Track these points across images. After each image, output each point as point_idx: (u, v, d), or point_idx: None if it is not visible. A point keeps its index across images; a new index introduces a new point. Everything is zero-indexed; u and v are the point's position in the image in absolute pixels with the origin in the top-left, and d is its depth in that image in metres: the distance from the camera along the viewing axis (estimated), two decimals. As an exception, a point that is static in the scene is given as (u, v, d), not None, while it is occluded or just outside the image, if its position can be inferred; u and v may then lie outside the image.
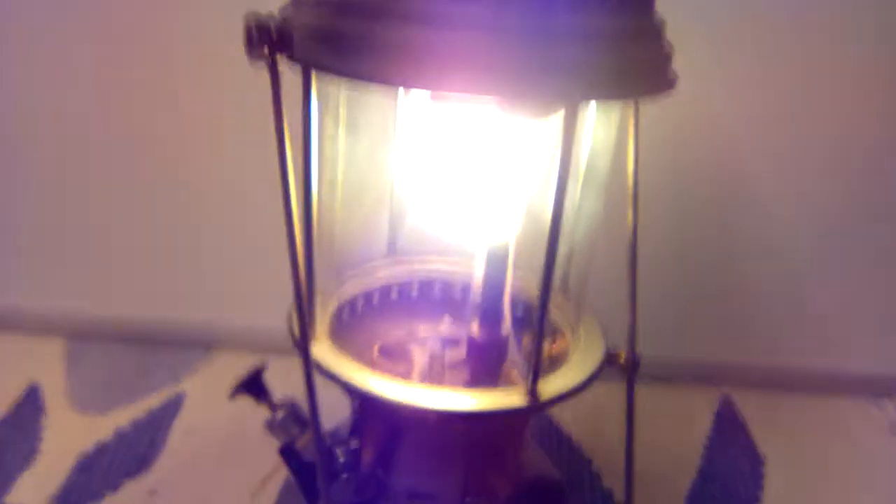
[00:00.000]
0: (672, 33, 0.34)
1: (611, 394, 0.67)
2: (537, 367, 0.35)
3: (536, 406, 0.36)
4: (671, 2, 0.34)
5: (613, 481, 0.66)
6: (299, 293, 0.35)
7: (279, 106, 0.31)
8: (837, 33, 0.68)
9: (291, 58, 0.31)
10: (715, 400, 0.79)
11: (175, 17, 0.69)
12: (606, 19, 0.30)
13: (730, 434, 0.74)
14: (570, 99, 0.29)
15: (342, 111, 0.37)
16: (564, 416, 0.74)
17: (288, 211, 0.33)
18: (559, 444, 0.70)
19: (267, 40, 0.31)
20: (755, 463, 0.70)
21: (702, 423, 0.75)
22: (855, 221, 0.76)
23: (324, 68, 0.30)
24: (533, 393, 0.36)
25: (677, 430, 0.74)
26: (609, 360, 0.42)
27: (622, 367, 0.43)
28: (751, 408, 0.78)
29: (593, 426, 0.72)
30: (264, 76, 0.31)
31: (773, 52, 0.69)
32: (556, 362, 0.42)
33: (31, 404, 0.72)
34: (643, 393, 0.77)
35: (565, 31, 0.29)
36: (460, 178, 0.37)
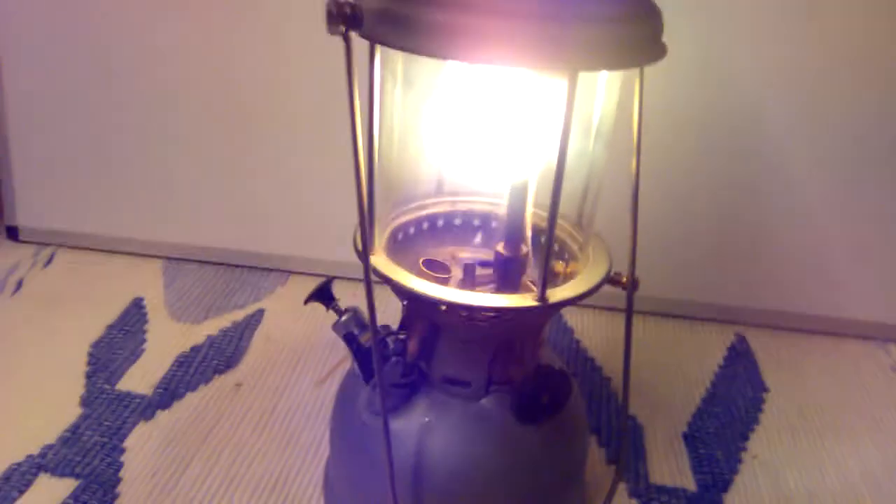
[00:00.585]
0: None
1: (637, 329, 0.77)
2: (545, 276, 0.45)
3: (544, 307, 0.46)
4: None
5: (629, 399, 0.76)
6: (362, 214, 0.45)
7: (351, 71, 0.41)
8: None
9: (361, 34, 0.41)
10: (730, 337, 0.87)
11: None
12: (601, 6, 0.39)
13: (739, 366, 0.82)
14: (570, 69, 0.39)
15: (399, 72, 0.47)
16: (590, 344, 0.84)
17: (355, 151, 0.43)
18: (584, 365, 0.80)
19: (342, 19, 0.41)
20: (758, 391, 0.79)
21: (715, 355, 0.84)
22: (867, 173, 0.81)
23: (385, 43, 0.40)
24: (542, 297, 0.46)
25: (693, 359, 0.83)
26: (612, 279, 0.52)
27: (623, 286, 0.53)
28: (763, 346, 0.86)
29: (613, 354, 0.82)
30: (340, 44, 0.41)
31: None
32: (569, 279, 0.52)
33: (136, 313, 0.85)
34: (666, 327, 0.87)
35: (569, 16, 0.38)
36: (491, 127, 0.47)
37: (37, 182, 0.95)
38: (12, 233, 0.98)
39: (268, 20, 0.82)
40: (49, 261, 0.94)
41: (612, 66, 0.41)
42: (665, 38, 0.44)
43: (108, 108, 0.90)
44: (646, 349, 0.83)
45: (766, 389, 0.79)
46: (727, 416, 0.74)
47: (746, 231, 0.86)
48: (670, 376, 0.80)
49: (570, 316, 0.87)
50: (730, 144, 0.81)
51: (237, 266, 0.95)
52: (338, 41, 0.41)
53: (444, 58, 0.38)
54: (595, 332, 0.85)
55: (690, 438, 0.71)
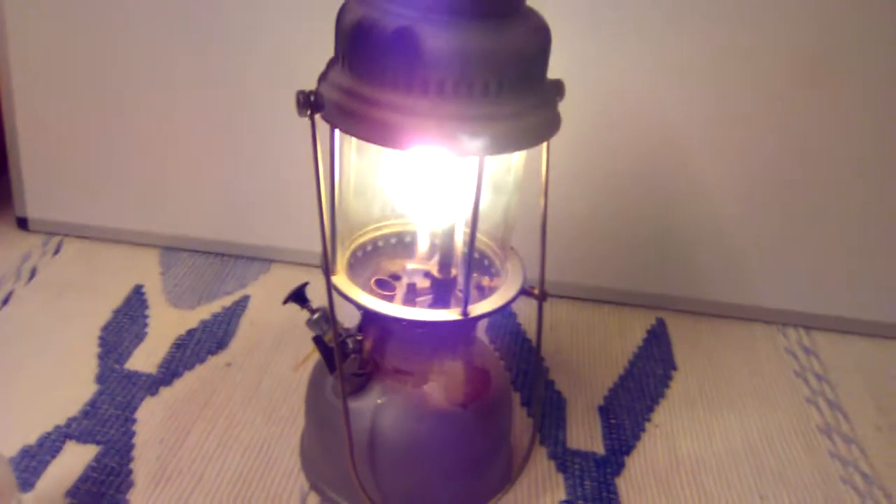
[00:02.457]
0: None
1: (567, 314, 0.91)
2: (467, 295, 0.59)
3: (465, 321, 0.60)
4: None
5: (555, 375, 0.90)
6: (325, 245, 0.58)
7: (315, 144, 0.54)
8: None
9: (324, 118, 0.54)
10: (651, 321, 1.02)
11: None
12: (501, 105, 0.52)
13: (655, 347, 0.97)
14: (477, 154, 0.52)
15: (354, 142, 0.61)
16: (529, 328, 0.98)
17: (319, 199, 0.57)
18: (522, 346, 0.94)
19: (308, 106, 0.54)
20: (668, 369, 0.93)
21: (636, 337, 0.98)
22: (773, 172, 0.93)
23: (341, 130, 0.53)
24: (465, 312, 0.60)
25: (615, 340, 0.97)
26: (526, 291, 0.65)
27: (535, 297, 0.67)
28: (678, 329, 1.00)
29: (549, 335, 0.96)
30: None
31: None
32: (493, 291, 0.65)
33: (137, 299, 0.98)
34: (593, 311, 1.02)
35: (476, 114, 0.51)
36: (423, 187, 0.61)
37: (44, 175, 1.05)
38: (22, 223, 1.08)
39: (258, 15, 0.91)
40: (57, 250, 1.06)
41: (515, 149, 0.54)
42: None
43: (110, 104, 0.97)
44: (575, 331, 0.97)
45: (675, 368, 0.93)
46: (638, 392, 0.89)
47: (663, 225, 0.98)
48: (594, 356, 0.94)
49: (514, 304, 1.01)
50: (640, 154, 0.93)
51: (225, 255, 1.07)
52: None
53: (386, 146, 0.51)
54: (534, 317, 0.99)
55: (605, 410, 0.85)
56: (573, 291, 1.03)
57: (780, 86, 0.89)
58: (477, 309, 0.61)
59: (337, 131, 0.56)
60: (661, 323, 1.01)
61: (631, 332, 0.99)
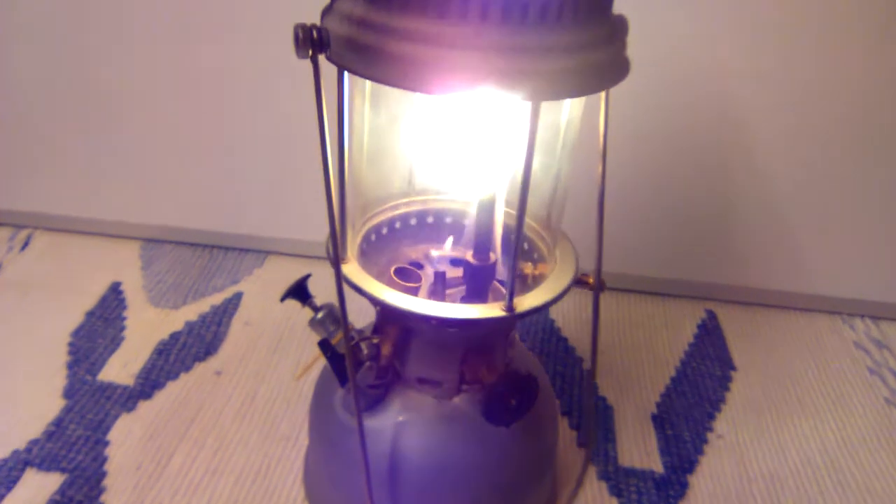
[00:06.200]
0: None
1: (603, 307, 0.78)
2: (512, 288, 0.47)
3: (511, 318, 0.47)
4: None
5: (598, 378, 0.78)
6: (333, 226, 0.46)
7: (319, 93, 0.42)
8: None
9: (330, 59, 0.41)
10: (700, 313, 0.89)
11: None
12: (564, 36, 0.39)
13: (708, 343, 0.84)
14: (532, 99, 0.39)
15: (367, 91, 0.48)
16: (564, 324, 0.86)
17: (325, 167, 0.44)
18: (557, 346, 0.82)
19: (309, 44, 0.41)
20: (726, 369, 0.81)
21: (686, 332, 0.86)
22: (835, 156, 0.82)
23: (352, 71, 0.40)
24: (510, 308, 0.47)
25: (663, 336, 0.85)
26: (579, 280, 0.53)
27: (591, 287, 0.54)
28: (732, 322, 0.88)
29: (586, 333, 0.84)
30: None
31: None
32: (538, 282, 0.53)
33: (114, 299, 0.86)
34: (637, 303, 0.89)
35: (529, 46, 0.38)
36: (457, 147, 0.48)
37: (10, 162, 0.95)
38: (-13, 215, 0.98)
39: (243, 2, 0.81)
40: (25, 244, 0.94)
41: (574, 94, 0.42)
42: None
43: (83, 87, 0.88)
44: (617, 328, 0.85)
45: (733, 367, 0.81)
46: (695, 396, 0.77)
47: (715, 208, 0.87)
48: (640, 355, 0.82)
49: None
50: (696, 127, 0.82)
51: (215, 247, 0.95)
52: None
53: (411, 89, 0.39)
54: (569, 312, 0.87)
55: (659, 419, 0.73)
56: (611, 281, 0.90)
57: (841, 81, 0.78)
58: (524, 302, 0.48)
59: (347, 78, 0.44)
60: (711, 315, 0.89)
61: (680, 327, 0.87)
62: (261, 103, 0.85)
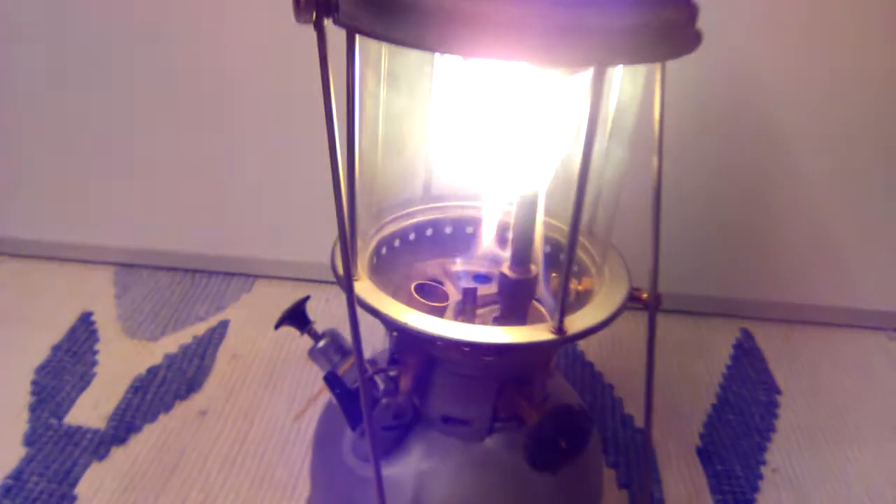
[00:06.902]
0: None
1: (629, 325, 0.71)
2: (564, 305, 0.38)
3: (563, 340, 0.39)
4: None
5: (633, 407, 0.70)
6: (343, 236, 0.38)
7: (325, 65, 0.34)
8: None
9: (336, 22, 0.33)
10: (735, 333, 0.82)
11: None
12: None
13: (748, 366, 0.77)
14: (597, 64, 0.31)
15: (383, 67, 0.40)
16: (587, 346, 0.77)
17: (333, 163, 0.36)
18: (582, 371, 0.74)
19: (312, 5, 0.33)
20: (771, 393, 0.73)
21: (722, 354, 0.78)
22: (874, 164, 0.76)
23: (367, 34, 0.32)
24: (560, 329, 0.39)
25: (697, 360, 0.77)
26: (632, 297, 0.45)
27: (645, 305, 0.46)
28: (769, 341, 0.81)
29: (614, 355, 0.76)
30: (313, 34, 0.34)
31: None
32: (583, 298, 0.45)
33: (84, 330, 0.77)
34: (667, 324, 0.81)
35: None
36: (493, 131, 0.39)
37: None
38: (-55, 241, 0.89)
39: (227, 13, 0.73)
40: (-14, 272, 0.85)
41: (645, 59, 0.34)
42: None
43: (52, 104, 0.81)
44: (644, 350, 0.77)
45: (778, 391, 0.73)
46: (741, 425, 0.69)
47: (749, 222, 0.81)
48: (676, 381, 0.74)
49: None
50: (731, 138, 0.75)
51: (197, 272, 0.87)
52: (308, 28, 0.33)
53: (442, 52, 0.30)
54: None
55: (705, 453, 0.65)
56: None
57: (881, 91, 0.73)
58: (576, 323, 0.40)
59: (358, 49, 0.35)
60: (747, 335, 0.81)
61: (714, 348, 0.79)
62: (244, 108, 0.78)
